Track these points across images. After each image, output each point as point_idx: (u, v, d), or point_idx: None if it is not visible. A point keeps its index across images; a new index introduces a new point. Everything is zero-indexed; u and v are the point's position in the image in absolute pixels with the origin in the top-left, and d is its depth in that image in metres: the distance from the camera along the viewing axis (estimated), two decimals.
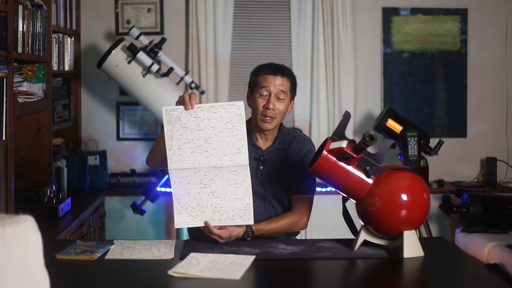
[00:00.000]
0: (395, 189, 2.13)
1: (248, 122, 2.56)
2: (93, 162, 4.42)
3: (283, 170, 2.55)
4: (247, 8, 4.75)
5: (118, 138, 4.74)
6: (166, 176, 4.19)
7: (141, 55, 3.96)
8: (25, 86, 3.25)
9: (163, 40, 4.16)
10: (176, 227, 2.33)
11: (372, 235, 2.21)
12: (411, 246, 2.13)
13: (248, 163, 2.28)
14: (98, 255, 2.13)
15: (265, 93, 2.49)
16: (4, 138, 2.90)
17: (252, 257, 2.10)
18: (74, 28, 4.45)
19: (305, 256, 2.17)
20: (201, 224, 2.30)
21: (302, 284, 1.96)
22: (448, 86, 4.83)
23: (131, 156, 4.73)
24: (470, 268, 2.14)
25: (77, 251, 2.17)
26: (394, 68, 4.81)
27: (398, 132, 4.24)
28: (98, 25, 4.68)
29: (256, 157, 2.53)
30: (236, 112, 2.27)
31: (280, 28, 4.76)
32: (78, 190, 4.18)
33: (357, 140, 2.15)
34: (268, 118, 2.49)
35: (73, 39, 4.41)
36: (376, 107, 4.80)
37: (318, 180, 2.40)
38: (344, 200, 2.31)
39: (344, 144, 2.13)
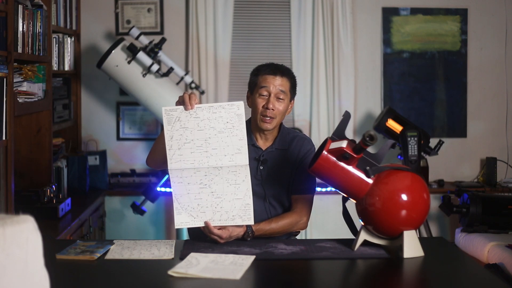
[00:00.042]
0: (395, 189, 2.13)
1: (248, 122, 2.56)
2: (93, 162, 4.42)
3: (283, 170, 2.55)
4: (247, 8, 4.75)
5: (118, 138, 4.74)
6: (166, 176, 4.19)
7: (141, 55, 3.97)
8: (25, 86, 3.25)
9: (163, 40, 4.16)
10: (176, 227, 2.33)
11: (372, 235, 2.21)
12: (411, 246, 2.13)
13: (248, 163, 2.28)
14: (98, 255, 2.14)
15: (265, 93, 2.49)
16: (4, 138, 2.90)
17: (252, 257, 2.10)
18: (74, 28, 4.45)
19: (305, 256, 2.17)
20: (201, 224, 2.30)
21: (302, 284, 1.96)
22: (448, 86, 4.83)
23: (131, 156, 4.73)
24: (470, 268, 2.14)
25: (77, 251, 2.17)
26: (394, 68, 4.81)
27: (398, 132, 4.24)
28: (98, 25, 4.68)
29: (256, 157, 2.53)
30: (236, 112, 2.27)
31: (280, 28, 4.76)
32: (78, 190, 4.18)
33: (357, 140, 2.15)
34: (268, 118, 2.49)
35: (73, 39, 4.42)
36: (376, 107, 4.80)
37: (318, 180, 2.40)
38: (344, 200, 2.31)
39: (344, 144, 2.13)
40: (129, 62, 3.97)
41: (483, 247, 3.61)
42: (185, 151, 2.27)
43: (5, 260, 1.18)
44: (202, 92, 4.39)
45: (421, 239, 2.35)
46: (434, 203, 4.22)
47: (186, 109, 2.26)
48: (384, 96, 4.80)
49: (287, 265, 2.12)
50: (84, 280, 1.96)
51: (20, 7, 3.14)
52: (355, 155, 2.12)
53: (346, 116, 2.22)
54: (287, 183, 2.55)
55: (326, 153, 2.15)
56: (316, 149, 2.44)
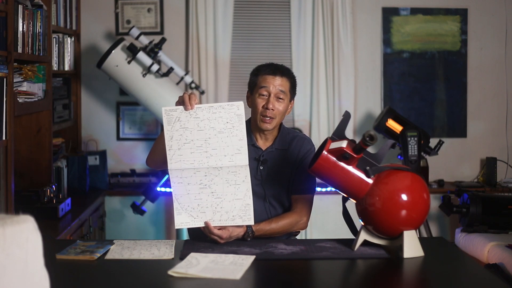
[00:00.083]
0: (395, 189, 2.13)
1: (248, 122, 2.56)
2: (93, 162, 4.42)
3: (283, 170, 2.54)
4: (247, 8, 4.75)
5: (118, 138, 4.74)
6: (166, 176, 4.19)
7: (141, 55, 3.97)
8: (25, 86, 3.25)
9: (163, 40, 4.16)
10: (176, 227, 2.33)
11: (372, 235, 2.21)
12: (411, 246, 2.13)
13: (247, 163, 2.28)
14: (98, 255, 2.14)
15: (265, 93, 2.49)
16: (4, 138, 2.90)
17: (252, 257, 2.10)
18: (74, 28, 4.45)
19: (305, 256, 2.17)
20: (201, 225, 2.30)
21: (302, 284, 1.96)
22: (448, 86, 4.83)
23: (131, 156, 4.73)
24: (470, 268, 2.14)
25: (77, 251, 2.17)
26: (394, 68, 4.81)
27: (398, 132, 4.24)
28: (98, 25, 4.68)
29: (256, 157, 2.53)
30: (235, 113, 2.27)
31: (280, 28, 4.76)
32: (78, 190, 4.18)
33: (357, 140, 2.15)
34: (268, 118, 2.49)
35: (73, 39, 4.42)
36: (376, 107, 4.80)
37: (318, 180, 2.40)
38: (344, 200, 2.31)
39: (344, 144, 2.13)
40: (129, 62, 3.97)
41: (483, 247, 3.60)
42: (185, 151, 2.27)
43: (5, 260, 1.18)
44: (202, 92, 4.39)
45: (421, 239, 2.35)
46: (434, 203, 4.22)
47: (186, 109, 2.26)
48: (384, 96, 4.80)
49: (287, 265, 2.12)
50: (84, 280, 1.96)
51: (20, 7, 3.14)
52: (355, 155, 2.12)
53: (346, 116, 2.22)
54: (287, 183, 2.55)
55: (326, 153, 2.15)
56: (316, 149, 2.44)
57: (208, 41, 4.59)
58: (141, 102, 4.10)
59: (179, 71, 4.21)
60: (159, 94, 3.99)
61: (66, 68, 4.25)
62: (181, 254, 2.16)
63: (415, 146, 4.12)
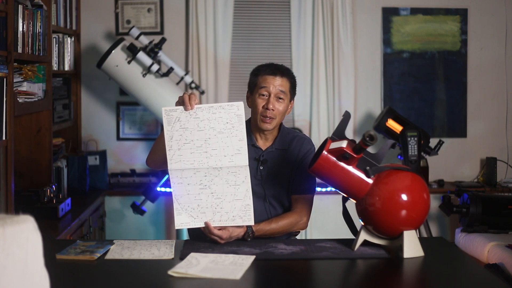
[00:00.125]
0: (395, 189, 2.13)
1: (248, 122, 2.56)
2: (93, 162, 4.42)
3: (283, 170, 2.54)
4: (247, 8, 4.75)
5: (118, 138, 4.74)
6: (166, 176, 4.19)
7: (141, 55, 3.97)
8: (25, 86, 3.25)
9: (163, 40, 4.16)
10: (176, 228, 2.33)
11: (372, 235, 2.21)
12: (411, 246, 2.13)
13: (247, 164, 2.28)
14: (98, 255, 2.14)
15: (265, 93, 2.49)
16: (4, 138, 2.90)
17: (252, 257, 2.10)
18: (74, 28, 4.45)
19: (305, 256, 2.17)
20: (202, 225, 2.30)
21: (302, 284, 1.96)
22: (448, 86, 4.83)
23: (131, 156, 4.73)
24: (470, 268, 2.14)
25: (77, 251, 2.17)
26: (394, 68, 4.81)
27: (398, 132, 4.24)
28: (98, 25, 4.68)
29: (256, 157, 2.53)
30: (235, 113, 2.27)
31: (280, 28, 4.76)
32: (78, 190, 4.18)
33: (357, 140, 2.15)
34: (268, 119, 2.49)
35: (73, 39, 4.42)
36: (376, 107, 4.80)
37: (318, 180, 2.40)
38: (344, 200, 2.31)
39: (344, 144, 2.13)
40: (129, 62, 3.97)
41: (483, 247, 3.61)
42: (185, 151, 2.27)
43: (5, 260, 1.18)
44: (202, 92, 4.39)
45: (421, 239, 2.35)
46: (434, 203, 4.22)
47: (186, 109, 2.26)
48: (384, 96, 4.80)
49: (287, 265, 2.12)
50: (84, 280, 1.96)
51: (20, 7, 3.14)
52: (355, 155, 2.12)
53: (346, 116, 2.22)
54: (287, 183, 2.55)
55: (326, 153, 2.15)
56: (316, 149, 2.44)
57: (208, 41, 4.59)
58: (141, 102, 4.10)
59: (179, 71, 4.21)
60: (159, 94, 3.99)
61: (66, 68, 4.25)
62: (181, 254, 2.16)
63: (415, 146, 4.12)
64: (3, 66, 2.92)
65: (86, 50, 4.67)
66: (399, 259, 2.13)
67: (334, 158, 2.14)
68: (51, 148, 3.66)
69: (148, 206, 4.38)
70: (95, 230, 4.08)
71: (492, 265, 3.40)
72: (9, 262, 1.19)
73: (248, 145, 2.29)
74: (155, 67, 3.97)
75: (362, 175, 2.15)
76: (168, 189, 4.27)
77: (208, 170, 2.28)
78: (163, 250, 2.20)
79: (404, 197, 2.12)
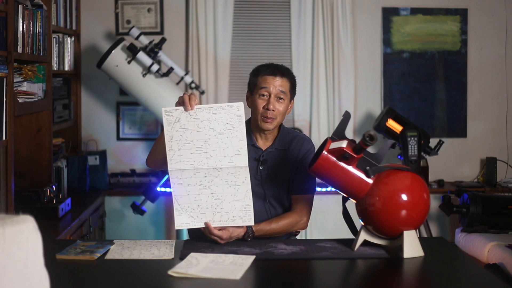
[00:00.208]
0: (395, 189, 2.13)
1: (248, 122, 2.55)
2: (93, 162, 4.42)
3: (283, 170, 2.54)
4: (247, 8, 4.75)
5: (118, 138, 4.74)
6: (166, 176, 4.19)
7: (141, 55, 3.97)
8: (25, 86, 3.25)
9: (163, 40, 4.16)
10: (176, 228, 2.32)
11: (372, 235, 2.21)
12: (411, 246, 2.13)
13: (247, 164, 2.28)
14: (98, 255, 2.14)
15: (265, 93, 2.49)
16: (4, 138, 2.90)
17: (252, 257, 2.10)
18: (74, 28, 4.45)
19: (305, 256, 2.17)
20: (202, 225, 2.30)
21: (302, 284, 1.96)
22: (448, 86, 4.83)
23: (131, 156, 4.73)
24: (470, 268, 2.14)
25: (77, 251, 2.17)
26: (394, 68, 4.81)
27: (398, 132, 4.24)
28: (98, 25, 4.68)
29: (256, 157, 2.53)
30: (235, 113, 2.27)
31: (280, 28, 4.76)
32: (78, 190, 4.18)
33: (357, 140, 2.15)
34: (269, 119, 2.49)
35: (73, 39, 4.42)
36: (376, 107, 4.80)
37: (318, 180, 2.40)
38: (344, 200, 2.31)
39: (344, 144, 2.13)
40: (129, 62, 3.97)
41: (483, 247, 3.61)
42: (185, 152, 2.27)
43: (5, 260, 1.18)
44: (202, 92, 4.39)
45: (421, 239, 2.35)
46: (434, 203, 4.22)
47: (186, 109, 2.26)
48: (384, 96, 4.80)
49: (287, 265, 2.12)
50: (84, 280, 1.96)
51: (20, 7, 3.14)
52: (355, 155, 2.12)
53: (346, 116, 2.22)
54: (287, 183, 2.55)
55: (326, 153, 2.15)
56: (316, 149, 2.44)
57: (208, 41, 4.59)
58: (141, 102, 4.10)
59: (179, 71, 4.21)
60: (159, 94, 3.99)
61: (66, 68, 4.25)
62: (181, 254, 2.16)
63: (415, 146, 4.12)
64: (3, 66, 2.92)
65: (86, 50, 4.67)
66: (399, 259, 2.13)
67: (334, 158, 2.14)
68: (51, 148, 3.66)
69: (148, 206, 4.38)
70: (95, 230, 4.08)
71: (492, 265, 3.40)
72: (9, 262, 1.19)
73: (248, 145, 2.29)
74: (155, 67, 3.98)
75: (362, 175, 2.15)
76: (168, 189, 4.27)
77: (208, 171, 2.28)
78: (163, 250, 2.20)
79: (404, 197, 2.12)
